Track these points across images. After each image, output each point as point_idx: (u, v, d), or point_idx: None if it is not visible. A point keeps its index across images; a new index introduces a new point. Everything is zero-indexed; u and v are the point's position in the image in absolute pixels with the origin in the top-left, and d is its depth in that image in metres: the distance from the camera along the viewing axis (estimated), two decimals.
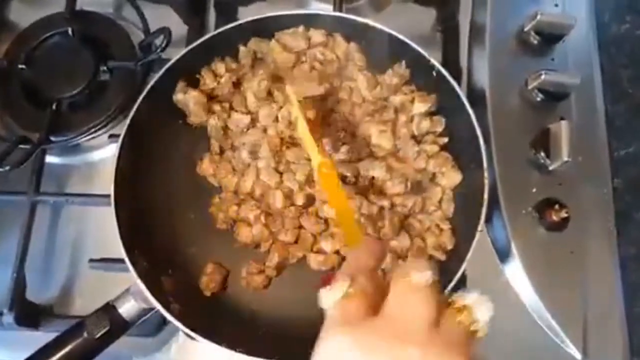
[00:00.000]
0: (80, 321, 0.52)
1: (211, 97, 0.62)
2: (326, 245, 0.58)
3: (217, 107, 0.61)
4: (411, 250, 0.56)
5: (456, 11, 0.70)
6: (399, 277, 0.30)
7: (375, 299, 0.30)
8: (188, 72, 0.61)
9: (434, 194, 0.58)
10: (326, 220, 0.59)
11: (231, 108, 0.62)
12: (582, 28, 0.65)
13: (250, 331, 0.56)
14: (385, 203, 0.57)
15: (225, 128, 0.62)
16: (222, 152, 0.62)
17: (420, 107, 0.60)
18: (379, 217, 0.57)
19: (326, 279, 0.31)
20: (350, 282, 0.30)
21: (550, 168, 0.59)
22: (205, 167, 0.62)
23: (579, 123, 0.62)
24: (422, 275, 0.29)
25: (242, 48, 0.63)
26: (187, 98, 0.61)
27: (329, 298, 0.30)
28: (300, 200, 0.58)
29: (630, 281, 0.58)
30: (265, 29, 0.62)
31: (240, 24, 0.61)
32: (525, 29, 0.64)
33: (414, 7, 0.72)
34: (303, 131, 0.53)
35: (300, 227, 0.59)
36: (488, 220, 0.57)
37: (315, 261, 0.58)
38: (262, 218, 0.58)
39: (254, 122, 0.62)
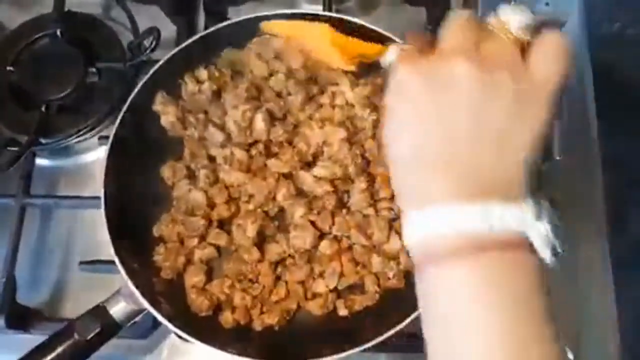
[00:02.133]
0: (70, 323, 0.52)
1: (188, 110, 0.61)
2: (318, 287, 0.56)
3: (192, 119, 0.60)
4: (403, 250, 0.56)
5: (446, 11, 0.69)
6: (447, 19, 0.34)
7: (428, 48, 0.34)
8: (178, 73, 0.60)
9: None
10: (309, 260, 0.57)
11: (207, 120, 0.60)
12: (573, 26, 0.66)
13: (242, 332, 0.56)
14: (371, 211, 0.57)
15: (202, 138, 0.60)
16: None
17: None
18: (367, 225, 0.56)
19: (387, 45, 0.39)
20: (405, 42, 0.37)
21: (543, 168, 0.59)
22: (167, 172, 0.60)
23: (570, 122, 0.62)
24: (460, 12, 0.35)
25: (219, 59, 0.62)
26: (164, 112, 0.59)
27: (389, 56, 0.36)
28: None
29: (623, 281, 0.58)
30: (257, 28, 0.62)
31: (229, 24, 0.61)
32: None
33: (405, 7, 0.71)
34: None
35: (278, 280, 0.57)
36: None
37: (316, 307, 0.55)
38: (241, 294, 0.56)
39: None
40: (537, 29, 0.33)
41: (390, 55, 0.37)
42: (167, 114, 0.59)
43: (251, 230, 0.56)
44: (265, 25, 0.56)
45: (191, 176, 0.60)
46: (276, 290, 0.56)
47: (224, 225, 0.58)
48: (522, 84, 0.31)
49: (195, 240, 0.57)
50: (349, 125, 0.60)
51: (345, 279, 0.56)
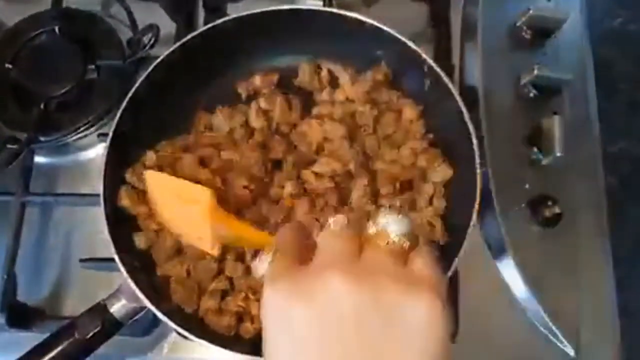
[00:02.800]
0: (71, 321, 0.52)
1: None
2: None
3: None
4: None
5: (448, 7, 0.69)
6: (323, 231, 0.33)
7: (304, 255, 0.33)
8: (179, 68, 0.60)
9: (424, 190, 0.58)
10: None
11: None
12: (574, 22, 0.65)
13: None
14: (372, 208, 0.56)
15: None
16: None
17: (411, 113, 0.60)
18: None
19: (255, 253, 0.33)
20: (276, 248, 0.34)
21: (543, 163, 0.59)
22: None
23: (572, 118, 0.61)
24: (336, 220, 0.33)
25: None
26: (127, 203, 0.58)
27: (260, 268, 0.34)
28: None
29: (623, 277, 0.58)
30: (256, 24, 0.62)
31: (228, 20, 0.60)
32: (518, 24, 0.63)
33: (406, 3, 0.71)
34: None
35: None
36: (481, 216, 0.57)
37: None
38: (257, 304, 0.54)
39: None
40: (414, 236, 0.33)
41: (260, 267, 0.35)
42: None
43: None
44: (149, 176, 0.55)
45: None
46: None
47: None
48: (402, 289, 0.29)
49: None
50: (349, 121, 0.59)
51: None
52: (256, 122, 0.61)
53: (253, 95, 0.63)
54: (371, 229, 0.32)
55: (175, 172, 0.59)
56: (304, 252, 0.33)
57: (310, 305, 0.29)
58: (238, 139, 0.61)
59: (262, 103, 0.61)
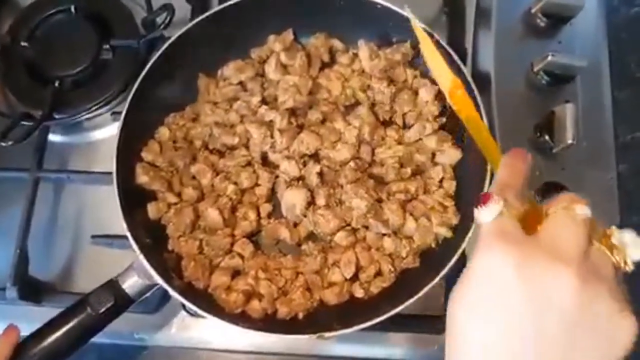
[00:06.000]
0: (84, 297, 0.52)
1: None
2: (334, 276, 0.56)
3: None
4: (418, 231, 0.56)
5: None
6: (560, 207, 0.32)
7: (528, 221, 0.32)
8: (191, 47, 0.60)
9: (435, 173, 0.58)
10: (324, 249, 0.56)
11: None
12: (590, 10, 0.64)
13: None
14: (383, 195, 0.57)
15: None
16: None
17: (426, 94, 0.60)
18: (381, 210, 0.56)
19: (480, 198, 0.32)
20: (504, 202, 0.32)
21: (554, 151, 0.59)
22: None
23: (585, 107, 0.61)
24: (584, 209, 0.31)
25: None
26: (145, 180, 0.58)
27: (485, 216, 0.32)
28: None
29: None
30: (272, 3, 0.62)
31: (242, 1, 0.60)
32: (532, 11, 0.63)
33: None
34: (429, 52, 0.47)
35: (299, 273, 0.56)
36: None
37: (332, 296, 0.55)
38: (266, 282, 0.55)
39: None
40: None
41: (485, 214, 0.32)
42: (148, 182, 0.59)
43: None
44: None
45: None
46: (296, 282, 0.56)
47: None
48: (617, 307, 0.29)
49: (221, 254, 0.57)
50: (370, 95, 0.60)
51: (365, 270, 0.56)
52: (274, 74, 0.61)
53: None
54: (613, 238, 0.31)
55: (189, 143, 0.60)
56: (530, 218, 0.32)
57: (532, 285, 0.29)
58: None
59: (283, 57, 0.62)
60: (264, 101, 0.61)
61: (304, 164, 0.58)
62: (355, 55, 0.63)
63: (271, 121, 0.59)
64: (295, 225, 0.58)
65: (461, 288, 0.31)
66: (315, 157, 0.59)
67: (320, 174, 0.58)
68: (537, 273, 0.29)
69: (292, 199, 0.56)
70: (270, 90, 0.61)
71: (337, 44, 0.64)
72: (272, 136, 0.59)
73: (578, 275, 0.28)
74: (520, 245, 0.30)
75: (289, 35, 0.63)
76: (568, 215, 0.31)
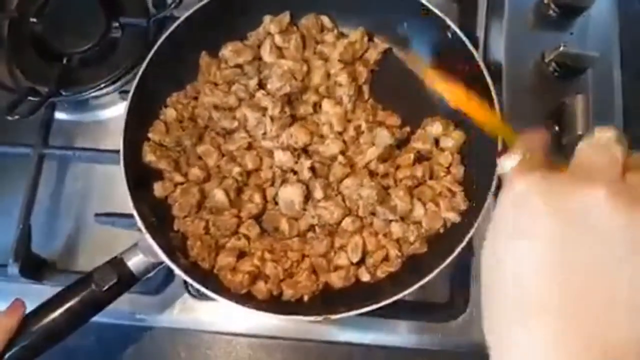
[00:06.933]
0: (88, 273, 0.52)
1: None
2: (340, 259, 0.55)
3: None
4: (426, 216, 0.56)
5: None
6: (584, 142, 0.30)
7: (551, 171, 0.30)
8: (200, 27, 0.60)
9: (442, 159, 0.58)
10: (330, 233, 0.56)
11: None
12: (603, 3, 0.64)
13: None
14: (390, 182, 0.57)
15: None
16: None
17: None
18: (388, 197, 0.56)
19: (503, 149, 0.33)
20: (526, 150, 0.31)
21: (564, 142, 0.58)
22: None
23: (595, 99, 0.60)
24: (607, 131, 0.30)
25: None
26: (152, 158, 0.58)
27: (508, 163, 0.31)
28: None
29: None
30: None
31: None
32: (545, 1, 0.63)
33: None
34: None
35: (305, 256, 0.56)
36: (500, 189, 0.56)
37: (337, 279, 0.54)
38: (272, 264, 0.55)
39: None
40: None
41: (508, 162, 0.31)
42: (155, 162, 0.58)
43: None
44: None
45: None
46: (302, 264, 0.56)
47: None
48: None
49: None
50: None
51: (371, 255, 0.55)
52: (269, 57, 0.61)
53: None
54: None
55: (195, 122, 0.60)
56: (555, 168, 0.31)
57: (561, 208, 0.27)
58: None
59: (277, 39, 0.61)
60: (260, 85, 0.60)
61: (298, 156, 0.58)
62: (342, 34, 0.63)
63: (265, 107, 0.58)
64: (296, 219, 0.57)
65: (492, 229, 0.30)
66: (306, 152, 0.59)
67: (312, 169, 0.57)
68: (564, 193, 0.27)
69: (289, 196, 0.56)
70: (266, 73, 0.61)
71: (326, 21, 0.63)
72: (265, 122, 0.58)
73: (611, 194, 0.26)
74: (545, 176, 0.29)
75: (285, 17, 0.63)
76: (591, 142, 0.30)
